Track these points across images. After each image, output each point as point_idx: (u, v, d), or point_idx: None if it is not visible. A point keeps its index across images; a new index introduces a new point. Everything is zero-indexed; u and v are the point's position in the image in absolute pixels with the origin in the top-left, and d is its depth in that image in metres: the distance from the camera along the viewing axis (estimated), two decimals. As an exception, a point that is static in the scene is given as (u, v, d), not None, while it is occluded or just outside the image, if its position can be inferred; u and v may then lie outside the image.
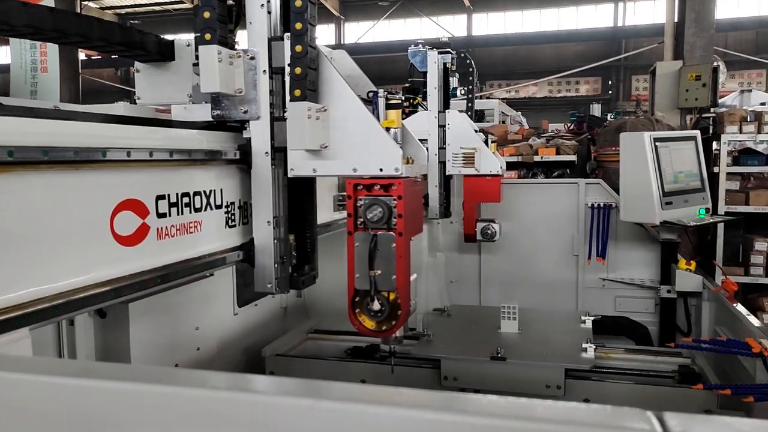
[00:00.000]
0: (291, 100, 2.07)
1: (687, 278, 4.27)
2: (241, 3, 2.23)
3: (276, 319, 4.07)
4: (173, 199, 2.07)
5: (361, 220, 2.18)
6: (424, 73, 4.25)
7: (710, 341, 2.98)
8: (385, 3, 25.29)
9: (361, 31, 25.45)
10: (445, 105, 4.33)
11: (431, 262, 5.03)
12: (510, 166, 6.48)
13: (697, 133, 4.64)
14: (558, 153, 6.20)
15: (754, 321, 3.24)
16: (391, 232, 2.16)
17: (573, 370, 3.16)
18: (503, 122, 9.23)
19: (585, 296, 5.08)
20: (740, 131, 5.66)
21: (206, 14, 2.06)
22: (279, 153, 2.27)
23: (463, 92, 4.90)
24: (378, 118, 2.26)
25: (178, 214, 2.08)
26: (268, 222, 2.28)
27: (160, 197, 2.01)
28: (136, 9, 27.75)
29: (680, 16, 6.85)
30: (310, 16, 2.09)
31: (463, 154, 4.16)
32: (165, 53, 2.45)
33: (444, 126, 4.23)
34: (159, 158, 1.94)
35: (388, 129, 2.27)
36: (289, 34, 2.14)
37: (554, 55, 24.51)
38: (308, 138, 2.04)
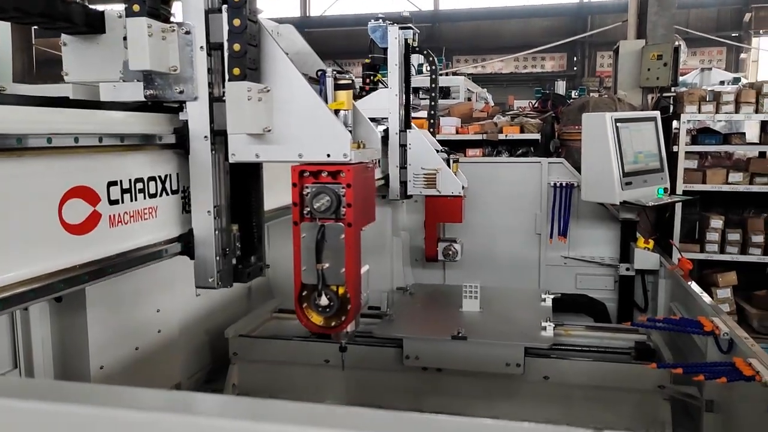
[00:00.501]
0: (229, 80, 1.93)
1: (645, 256, 4.38)
2: None
3: (240, 299, 4.04)
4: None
5: (308, 209, 2.07)
6: (385, 49, 4.14)
7: (665, 320, 3.07)
8: (351, -26, 24.85)
9: (328, 3, 25.01)
10: (407, 86, 4.22)
11: (395, 241, 5.05)
12: (475, 144, 6.51)
13: (657, 114, 4.72)
14: (522, 131, 6.24)
15: (707, 299, 3.35)
16: (340, 223, 2.05)
17: (532, 348, 3.23)
18: (469, 99, 9.23)
19: (547, 274, 5.17)
20: (699, 111, 5.76)
21: None
22: (219, 136, 2.11)
23: (427, 69, 4.85)
24: (326, 100, 2.13)
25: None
26: (209, 211, 2.13)
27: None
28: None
29: (643, -8, 6.90)
30: None
31: (425, 174, 4.15)
32: (94, 25, 2.19)
33: (405, 145, 4.18)
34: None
35: (337, 111, 2.14)
36: (226, 6, 1.96)
37: (521, 30, 24.51)
38: (249, 121, 1.92)
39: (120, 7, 2.07)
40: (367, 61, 4.35)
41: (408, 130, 4.20)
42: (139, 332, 2.84)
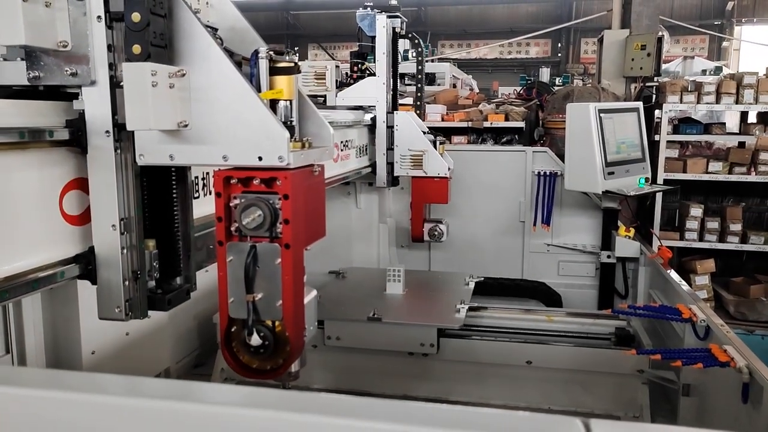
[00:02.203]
0: (127, 60, 1.54)
1: (626, 244, 4.47)
2: None
3: (227, 284, 4.08)
4: None
5: (236, 225, 1.68)
6: (373, 38, 4.18)
7: (644, 307, 3.16)
8: (336, -43, 24.61)
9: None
10: (394, 72, 4.28)
11: (381, 228, 5.10)
12: (460, 131, 6.55)
13: (640, 104, 4.79)
14: (507, 119, 6.29)
15: (685, 287, 3.44)
16: (276, 243, 1.66)
17: (446, 329, 3.38)
18: (454, 86, 9.25)
19: (530, 261, 5.26)
20: (681, 101, 5.85)
21: None
22: (126, 132, 1.66)
23: (414, 55, 4.90)
24: (259, 88, 1.72)
25: None
26: (113, 225, 1.70)
27: None
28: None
29: (629, -19, 6.95)
30: None
31: (411, 156, 4.21)
32: None
33: (392, 127, 4.22)
34: None
35: (274, 103, 1.74)
36: None
37: (507, 14, 24.51)
38: (153, 113, 1.51)
39: None
40: (356, 49, 4.38)
41: (395, 112, 4.25)
42: (128, 318, 2.86)
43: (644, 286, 4.37)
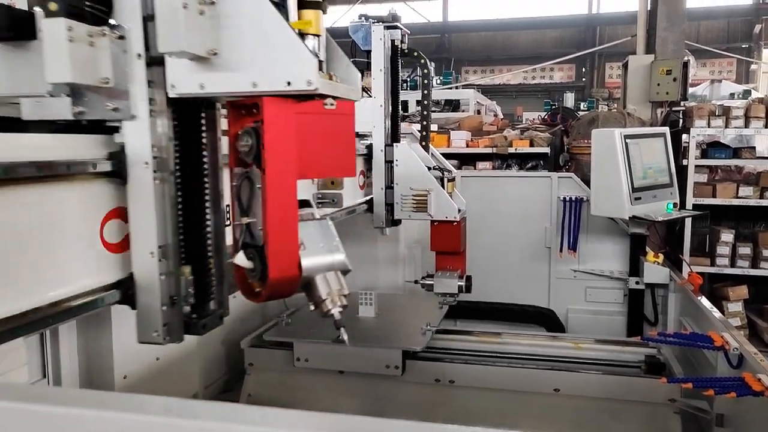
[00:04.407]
0: None
1: (654, 270, 4.41)
2: None
3: (254, 309, 4.12)
4: None
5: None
6: (368, 52, 3.53)
7: (675, 335, 3.11)
8: (361, -13, 25.09)
9: (337, 16, 25.24)
10: (394, 95, 3.60)
11: (407, 255, 5.10)
12: (484, 157, 6.58)
13: (666, 130, 4.77)
14: (532, 145, 6.31)
15: (717, 314, 3.39)
16: (258, 169, 1.69)
17: (410, 351, 3.40)
18: (478, 111, 9.32)
19: (557, 287, 5.22)
20: (708, 125, 5.81)
21: None
22: (161, 160, 1.74)
23: (413, 76, 4.29)
24: (287, 20, 1.70)
25: None
26: (152, 252, 1.75)
27: None
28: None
29: (652, 5, 6.95)
30: None
31: (414, 195, 3.56)
32: (21, 29, 1.73)
33: (392, 162, 3.57)
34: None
35: (302, 35, 1.74)
36: None
37: (531, 40, 24.62)
38: (188, 37, 1.52)
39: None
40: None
41: (395, 144, 3.60)
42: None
43: (674, 313, 4.30)
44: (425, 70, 3.79)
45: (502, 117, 9.98)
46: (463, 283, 3.63)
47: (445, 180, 3.61)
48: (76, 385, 2.52)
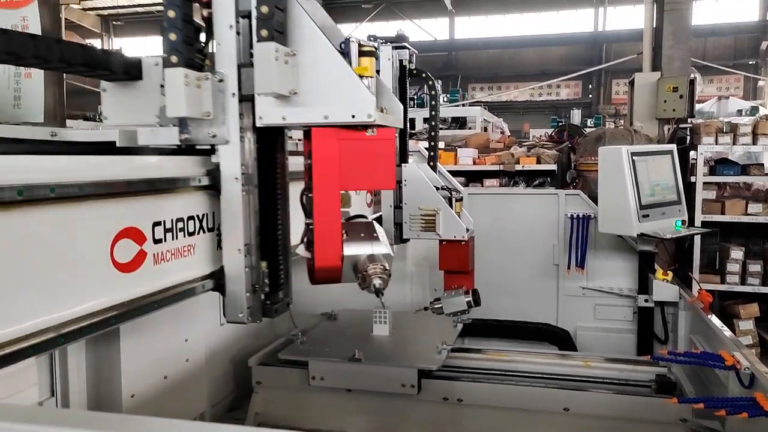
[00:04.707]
0: (257, 41, 1.96)
1: (664, 288, 4.39)
2: (210, 22, 2.15)
3: (262, 327, 4.11)
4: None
5: None
6: (377, 72, 3.70)
7: (685, 354, 3.08)
8: (368, 6, 25.36)
9: (344, 33, 25.45)
10: (404, 111, 3.58)
11: (415, 272, 5.10)
12: (492, 174, 6.58)
13: (674, 147, 4.77)
14: (539, 162, 6.32)
15: (727, 333, 3.36)
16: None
17: (425, 370, 3.35)
18: (485, 129, 9.34)
19: (565, 305, 5.19)
20: (716, 142, 5.81)
21: (172, 36, 2.00)
22: (248, 176, 2.22)
23: (420, 94, 4.39)
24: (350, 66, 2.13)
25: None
26: (239, 249, 2.19)
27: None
28: (119, 10, 27.45)
29: (658, 23, 6.99)
30: None
31: (422, 215, 3.64)
32: (132, 72, 2.33)
33: (400, 182, 3.61)
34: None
35: (361, 77, 2.11)
36: None
37: (538, 57, 24.76)
38: (276, 81, 1.94)
39: (155, 54, 2.19)
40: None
41: (404, 165, 3.66)
42: (168, 361, 2.92)
43: (685, 331, 4.27)
44: (433, 91, 3.90)
45: (509, 134, 10.00)
46: (470, 298, 3.65)
47: (453, 200, 3.68)
48: (84, 404, 2.52)
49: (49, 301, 1.62)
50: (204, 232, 2.29)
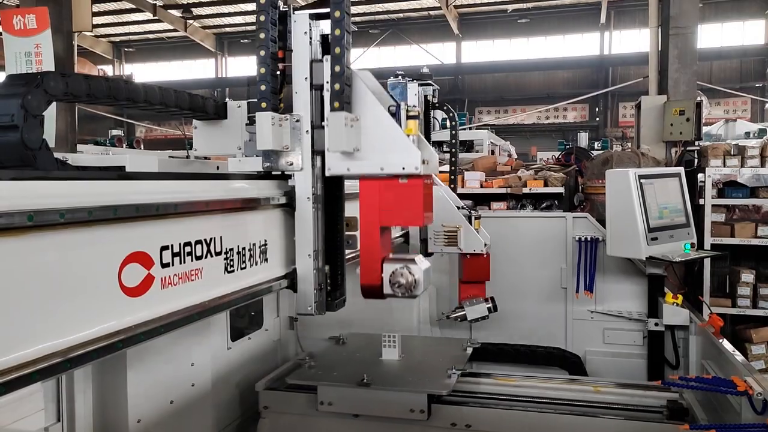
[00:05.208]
0: (331, 110, 2.41)
1: (674, 312, 4.34)
2: (285, 73, 2.63)
3: (269, 351, 4.10)
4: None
5: None
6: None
7: (697, 379, 3.04)
8: (375, 31, 25.66)
9: (352, 58, 25.73)
10: (426, 137, 4.28)
11: (421, 297, 5.07)
12: (499, 197, 6.59)
13: (681, 169, 4.76)
14: (546, 185, 6.32)
15: (740, 357, 3.31)
16: None
17: (435, 395, 3.33)
18: (492, 152, 9.37)
19: (573, 328, 5.14)
20: (724, 165, 5.80)
21: (263, 87, 2.49)
22: (316, 196, 2.67)
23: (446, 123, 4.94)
24: (400, 126, 2.57)
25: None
26: (309, 255, 2.63)
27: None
28: (130, 37, 27.93)
29: (663, 47, 7.02)
30: (347, 42, 2.44)
31: (445, 232, 4.08)
32: (220, 113, 2.99)
33: None
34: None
35: (407, 136, 2.55)
36: (329, 56, 2.50)
37: (544, 81, 24.91)
38: (345, 141, 2.37)
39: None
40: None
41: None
42: (174, 386, 2.91)
43: (696, 356, 4.21)
44: (453, 122, 4.55)
45: (516, 157, 10.02)
46: (490, 305, 4.19)
47: (473, 218, 4.14)
48: (90, 430, 2.51)
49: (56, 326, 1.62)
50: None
